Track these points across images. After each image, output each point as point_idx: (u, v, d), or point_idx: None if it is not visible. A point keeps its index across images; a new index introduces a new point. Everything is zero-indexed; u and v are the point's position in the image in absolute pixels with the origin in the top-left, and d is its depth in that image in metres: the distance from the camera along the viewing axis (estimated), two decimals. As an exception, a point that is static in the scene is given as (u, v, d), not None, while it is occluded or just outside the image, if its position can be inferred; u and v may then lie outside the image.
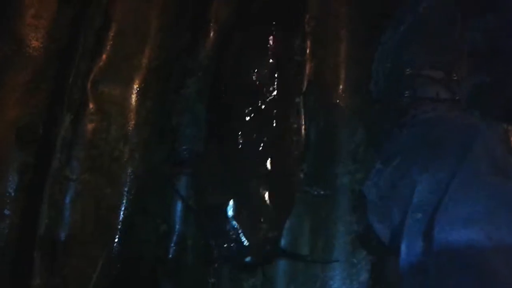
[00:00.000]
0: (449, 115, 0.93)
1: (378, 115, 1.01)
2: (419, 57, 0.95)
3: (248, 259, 0.92)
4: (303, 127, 1.01)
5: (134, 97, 1.05)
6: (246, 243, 0.91)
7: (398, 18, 1.01)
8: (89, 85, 1.02)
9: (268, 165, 0.95)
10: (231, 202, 0.93)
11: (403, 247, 0.78)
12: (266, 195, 0.93)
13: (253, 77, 0.98)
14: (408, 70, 0.95)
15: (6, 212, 0.98)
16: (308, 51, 1.05)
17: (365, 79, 1.04)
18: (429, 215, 0.76)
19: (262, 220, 0.93)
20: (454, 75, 0.96)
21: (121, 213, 0.99)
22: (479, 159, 0.79)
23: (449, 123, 0.89)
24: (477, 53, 1.03)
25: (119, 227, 0.98)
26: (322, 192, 0.98)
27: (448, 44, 0.98)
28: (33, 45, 1.09)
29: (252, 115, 0.96)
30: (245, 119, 0.96)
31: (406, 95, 0.95)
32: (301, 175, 0.99)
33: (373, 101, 1.01)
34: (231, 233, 0.91)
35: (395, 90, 0.97)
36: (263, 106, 0.97)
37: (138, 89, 1.06)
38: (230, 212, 0.93)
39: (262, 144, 0.96)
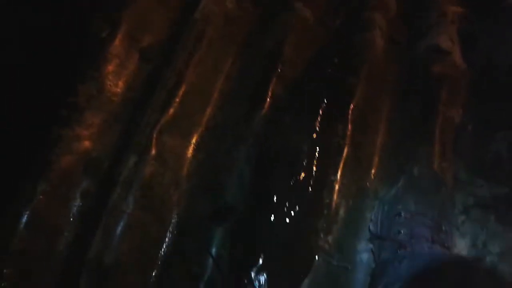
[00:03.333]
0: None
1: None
2: (411, 207, 1.12)
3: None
4: (334, 202, 1.13)
5: (190, 149, 1.20)
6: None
7: (393, 178, 1.18)
8: (155, 135, 1.17)
9: (297, 232, 1.08)
10: (259, 261, 1.05)
11: None
12: (289, 259, 1.05)
13: (298, 152, 1.13)
14: (403, 213, 1.11)
15: (65, 231, 1.12)
16: (348, 136, 1.20)
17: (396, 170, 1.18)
18: None
19: (280, 281, 1.04)
20: (444, 228, 1.12)
21: (162, 250, 1.11)
22: None
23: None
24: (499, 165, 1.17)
25: (159, 262, 1.10)
26: (342, 264, 1.09)
27: (436, 200, 1.15)
28: (113, 90, 1.26)
29: (291, 185, 1.10)
30: (285, 188, 1.09)
31: (402, 232, 1.10)
32: (326, 246, 1.10)
33: (373, 237, 1.14)
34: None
35: (393, 228, 1.12)
36: (302, 179, 1.10)
37: (194, 143, 1.21)
38: (254, 272, 1.04)
39: (295, 212, 1.08)
